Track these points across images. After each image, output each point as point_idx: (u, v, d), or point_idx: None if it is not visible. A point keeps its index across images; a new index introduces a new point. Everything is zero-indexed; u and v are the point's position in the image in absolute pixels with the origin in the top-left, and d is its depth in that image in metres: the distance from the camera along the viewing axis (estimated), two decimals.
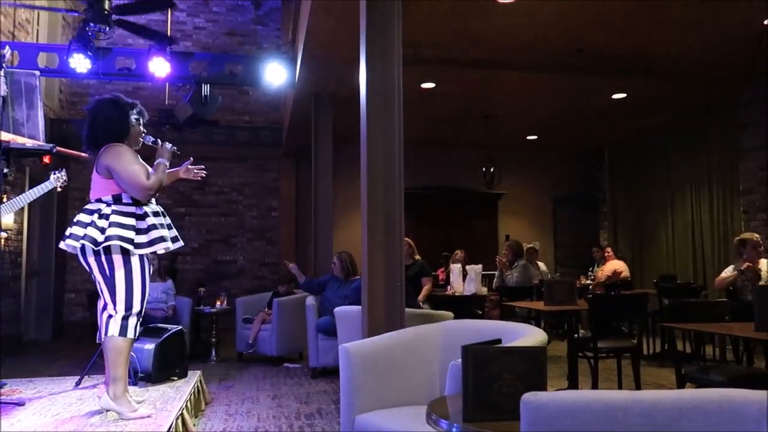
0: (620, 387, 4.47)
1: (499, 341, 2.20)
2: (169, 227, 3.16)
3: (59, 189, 3.88)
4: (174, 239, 3.14)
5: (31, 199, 3.77)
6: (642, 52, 6.29)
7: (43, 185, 3.76)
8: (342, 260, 5.82)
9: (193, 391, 3.85)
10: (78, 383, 3.95)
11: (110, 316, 2.96)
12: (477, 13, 5.36)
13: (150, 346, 4.04)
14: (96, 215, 2.95)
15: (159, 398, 3.51)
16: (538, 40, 5.96)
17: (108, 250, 2.93)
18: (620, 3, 5.17)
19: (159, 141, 3.26)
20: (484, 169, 9.15)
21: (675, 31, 5.71)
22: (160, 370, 4.03)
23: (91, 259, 2.96)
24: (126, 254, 2.96)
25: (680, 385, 3.41)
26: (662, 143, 9.10)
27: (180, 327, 4.48)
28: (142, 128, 3.20)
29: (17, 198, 3.68)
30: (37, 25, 8.40)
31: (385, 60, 3.72)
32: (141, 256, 3.02)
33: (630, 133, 9.69)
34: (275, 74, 6.55)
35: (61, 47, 6.43)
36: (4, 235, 3.75)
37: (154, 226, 3.04)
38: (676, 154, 8.82)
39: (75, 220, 3.01)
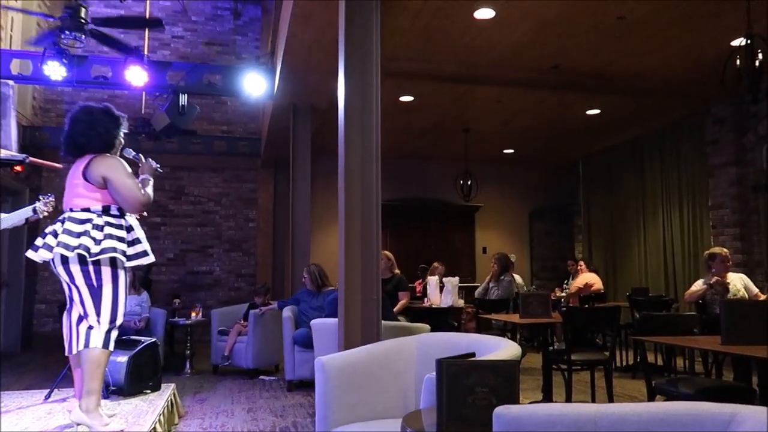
0: (593, 399, 4.53)
1: (473, 354, 2.22)
2: (132, 242, 3.12)
3: (45, 214, 3.67)
4: (136, 256, 3.11)
5: (15, 223, 3.67)
6: (614, 70, 6.44)
7: (27, 209, 3.67)
8: (311, 273, 5.83)
9: (167, 405, 3.80)
10: (47, 397, 3.86)
11: (91, 327, 2.92)
12: (455, 29, 5.44)
13: (123, 358, 3.98)
14: (89, 225, 2.91)
15: (131, 412, 3.46)
16: (515, 56, 6.07)
17: (97, 262, 2.90)
18: (593, 23, 5.30)
19: (142, 157, 3.25)
20: (461, 181, 9.23)
21: (645, 50, 5.87)
22: (133, 383, 3.96)
23: (75, 268, 2.89)
24: (114, 267, 2.95)
25: (650, 397, 3.47)
26: (635, 158, 9.30)
27: (154, 339, 4.42)
28: (122, 140, 3.22)
29: (14, 213, 3.64)
30: (11, 30, 8.27)
31: (364, 73, 3.76)
32: (125, 269, 3.01)
33: (604, 147, 9.88)
34: (254, 85, 6.54)
35: (36, 54, 6.34)
36: None
37: (138, 240, 3.06)
38: (648, 169, 9.01)
39: (55, 229, 2.94)
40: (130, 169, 3.06)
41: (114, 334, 2.98)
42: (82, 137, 3.03)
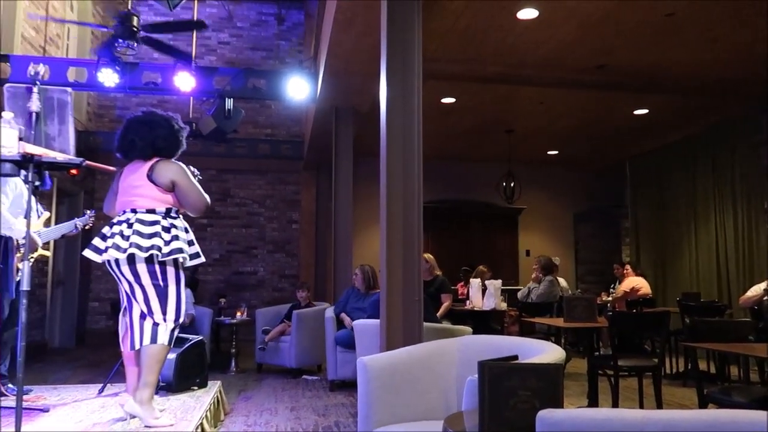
0: (641, 406, 4.41)
1: (516, 357, 2.20)
2: (190, 243, 3.25)
3: (87, 227, 4.17)
4: (193, 256, 3.24)
5: (64, 233, 4.11)
6: (663, 68, 6.26)
7: (69, 224, 4.12)
8: (364, 272, 5.86)
9: (213, 401, 3.89)
10: (101, 391, 4.01)
11: (157, 325, 3.04)
12: (497, 29, 5.40)
13: (171, 355, 4.08)
14: (158, 226, 3.04)
15: (179, 407, 3.56)
16: (559, 56, 5.98)
17: (163, 262, 3.02)
18: (640, 20, 5.18)
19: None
20: (504, 183, 9.13)
21: (695, 47, 5.69)
22: (181, 380, 4.08)
23: (142, 268, 2.99)
24: (177, 267, 3.09)
25: (702, 405, 3.35)
26: (685, 159, 9.00)
27: (201, 337, 4.54)
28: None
29: (54, 228, 4.07)
30: (67, 40, 8.64)
31: (405, 75, 3.77)
32: (184, 270, 3.16)
33: (652, 148, 9.61)
34: (297, 88, 6.64)
35: (90, 62, 6.61)
36: (47, 254, 3.99)
37: (193, 242, 3.21)
38: (699, 170, 8.71)
39: (121, 230, 3.00)
40: None
41: (177, 331, 3.13)
42: (162, 141, 3.14)
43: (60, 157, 2.20)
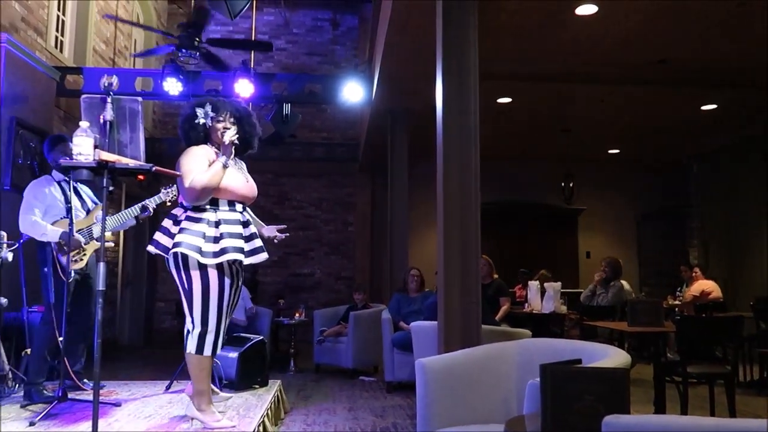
0: (713, 415, 4.21)
1: (579, 361, 2.15)
2: (249, 238, 2.97)
3: (168, 203, 3.94)
4: (255, 251, 2.97)
5: (126, 222, 4.03)
6: (732, 61, 5.97)
7: (135, 207, 4.00)
8: (420, 276, 5.94)
9: (274, 400, 3.98)
10: (168, 387, 4.17)
11: (188, 332, 2.91)
12: (554, 26, 5.29)
13: (234, 354, 4.22)
14: (171, 221, 2.92)
15: (242, 405, 3.66)
16: (619, 51, 5.80)
17: (186, 264, 2.85)
18: (706, 12, 4.96)
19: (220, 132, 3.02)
20: (562, 184, 8.93)
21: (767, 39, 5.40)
22: (243, 378, 4.19)
23: (173, 270, 2.91)
24: (203, 269, 2.85)
25: None
26: (758, 155, 8.54)
27: (261, 337, 4.65)
28: (219, 123, 3.01)
29: (124, 212, 3.98)
30: (134, 51, 9.05)
31: (461, 76, 3.75)
32: (221, 270, 2.89)
33: (722, 145, 9.17)
34: (352, 92, 6.72)
35: (156, 72, 6.91)
36: (111, 245, 4.02)
37: (227, 235, 2.88)
38: None
39: (161, 224, 3.00)
40: (201, 158, 2.89)
41: (210, 338, 2.88)
42: (180, 132, 3.08)
43: (131, 163, 2.31)
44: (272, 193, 10.16)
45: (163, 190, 4.01)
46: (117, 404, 3.56)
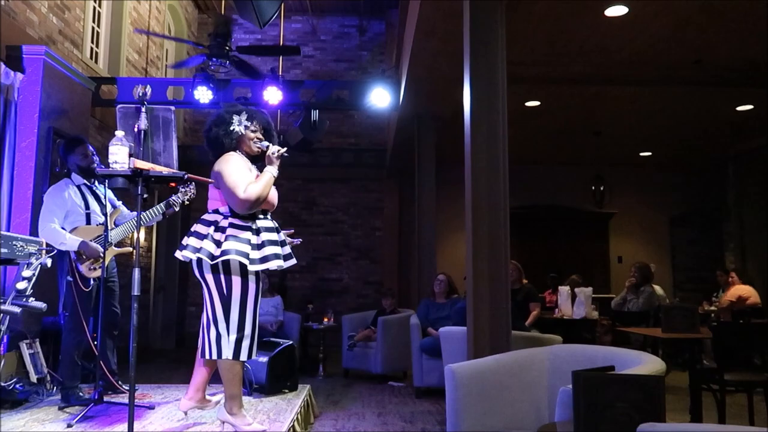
0: (752, 425, 4.09)
1: (612, 368, 2.12)
2: (282, 244, 3.02)
3: (186, 202, 4.01)
4: (287, 257, 3.02)
5: (153, 218, 4.00)
6: None
7: (159, 204, 3.97)
8: (449, 279, 5.91)
9: (303, 404, 4.00)
10: None
11: (220, 337, 2.90)
12: (583, 28, 5.24)
13: (264, 359, 4.26)
14: (212, 227, 2.90)
15: (272, 409, 3.69)
16: (651, 53, 5.71)
17: (227, 270, 2.87)
18: (742, 11, 4.84)
19: (268, 145, 3.04)
20: (593, 187, 8.80)
21: None
22: (273, 383, 4.23)
23: (209, 276, 2.89)
24: (245, 275, 2.89)
25: None
26: None
27: (291, 342, 4.69)
28: (252, 132, 3.05)
29: (150, 211, 3.96)
30: (166, 61, 9.25)
31: (489, 81, 3.73)
32: (256, 277, 2.95)
33: (758, 146, 8.92)
34: (379, 97, 6.73)
35: (187, 80, 7.04)
36: (130, 250, 3.99)
37: (268, 242, 2.93)
38: None
39: (192, 230, 2.96)
40: (242, 166, 2.94)
41: (245, 342, 2.91)
42: (207, 140, 3.04)
43: (165, 170, 2.36)
44: (300, 198, 10.25)
45: (181, 189, 3.98)
46: (151, 407, 3.63)
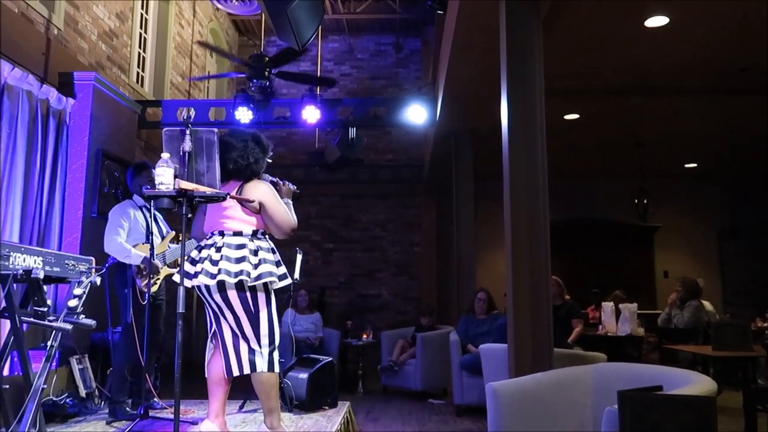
0: None
1: (660, 388, 2.05)
2: (278, 264, 3.11)
3: None
4: (281, 277, 3.10)
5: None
6: None
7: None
8: (489, 295, 5.86)
9: (343, 422, 4.00)
10: (241, 407, 4.28)
11: (253, 351, 2.96)
12: (623, 40, 5.17)
13: (304, 375, 4.28)
14: (246, 250, 2.95)
15: (312, 426, 3.70)
16: (693, 62, 5.58)
17: (254, 288, 2.95)
18: None
19: (279, 180, 3.26)
20: (636, 200, 8.60)
21: None
22: (313, 399, 4.24)
23: (233, 294, 2.92)
24: (267, 292, 3.02)
25: None
26: None
27: (330, 358, 4.70)
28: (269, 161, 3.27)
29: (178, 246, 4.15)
30: (208, 83, 9.52)
31: (527, 94, 3.71)
32: (273, 291, 3.09)
33: None
34: (416, 114, 6.76)
35: (228, 102, 7.22)
36: (174, 271, 4.10)
37: (280, 263, 3.11)
38: None
39: (210, 254, 2.93)
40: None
41: (276, 354, 3.01)
42: (233, 164, 3.03)
43: (208, 191, 2.42)
44: (339, 215, 10.33)
45: None
46: (194, 422, 3.68)
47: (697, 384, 2.28)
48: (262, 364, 2.96)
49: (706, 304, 7.57)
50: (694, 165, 9.44)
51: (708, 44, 5.21)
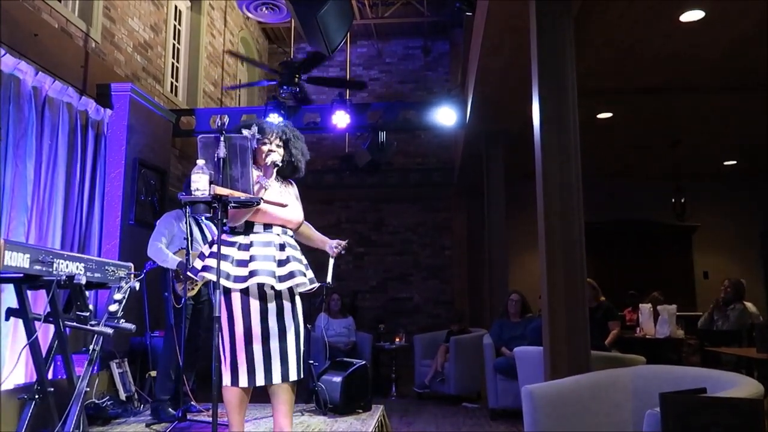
0: None
1: (703, 390, 2.00)
2: (281, 263, 2.68)
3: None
4: (284, 277, 2.66)
5: None
6: None
7: None
8: (522, 297, 5.79)
9: (377, 425, 4.00)
10: None
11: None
12: (656, 36, 5.06)
13: (338, 378, 4.30)
14: (295, 250, 2.80)
15: (346, 429, 3.71)
16: (732, 56, 5.44)
17: (293, 293, 2.74)
18: None
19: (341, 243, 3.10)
20: (673, 200, 8.40)
21: None
22: (347, 403, 4.25)
23: (286, 303, 2.73)
24: (227, 294, 2.64)
25: None
26: None
27: (364, 362, 4.70)
28: (264, 146, 2.77)
29: None
30: (239, 91, 9.66)
31: (559, 94, 3.66)
32: (236, 294, 2.64)
33: None
34: (446, 117, 6.74)
35: (259, 109, 7.32)
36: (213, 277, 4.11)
37: (257, 258, 2.63)
38: None
39: (258, 254, 2.68)
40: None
41: (243, 368, 2.65)
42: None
43: (243, 196, 2.45)
44: (370, 219, 10.35)
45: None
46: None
47: (742, 387, 2.21)
48: (295, 372, 2.72)
49: (749, 305, 7.33)
50: (734, 162, 9.18)
51: (746, 37, 5.06)
